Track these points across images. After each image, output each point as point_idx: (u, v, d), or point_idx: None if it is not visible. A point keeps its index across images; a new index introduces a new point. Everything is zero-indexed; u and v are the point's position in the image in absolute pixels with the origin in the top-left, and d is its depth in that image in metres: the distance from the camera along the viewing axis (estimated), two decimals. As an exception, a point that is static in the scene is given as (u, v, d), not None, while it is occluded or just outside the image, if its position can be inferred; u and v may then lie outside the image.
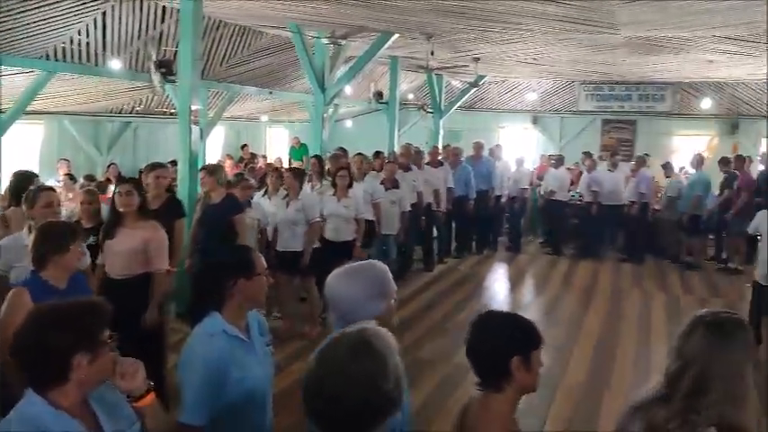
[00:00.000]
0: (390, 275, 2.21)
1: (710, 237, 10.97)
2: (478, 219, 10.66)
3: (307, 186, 7.17)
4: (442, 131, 14.08)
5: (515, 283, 9.27)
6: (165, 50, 8.74)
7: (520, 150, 13.79)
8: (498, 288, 9.20)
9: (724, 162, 10.51)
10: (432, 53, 9.30)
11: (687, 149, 12.72)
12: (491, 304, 8.03)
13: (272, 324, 6.25)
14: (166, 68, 7.79)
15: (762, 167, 10.28)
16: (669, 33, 8.32)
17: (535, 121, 16.78)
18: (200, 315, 2.39)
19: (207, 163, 7.21)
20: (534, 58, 11.39)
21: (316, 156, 8.04)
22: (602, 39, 8.81)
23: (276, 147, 17.62)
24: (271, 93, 11.86)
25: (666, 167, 11.27)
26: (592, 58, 11.08)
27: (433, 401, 4.99)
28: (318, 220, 6.40)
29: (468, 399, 2.02)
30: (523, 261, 10.60)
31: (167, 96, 10.51)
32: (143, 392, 1.92)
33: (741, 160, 10.22)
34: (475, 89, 13.90)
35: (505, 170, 11.31)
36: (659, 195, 11.30)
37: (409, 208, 8.20)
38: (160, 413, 1.99)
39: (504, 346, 1.86)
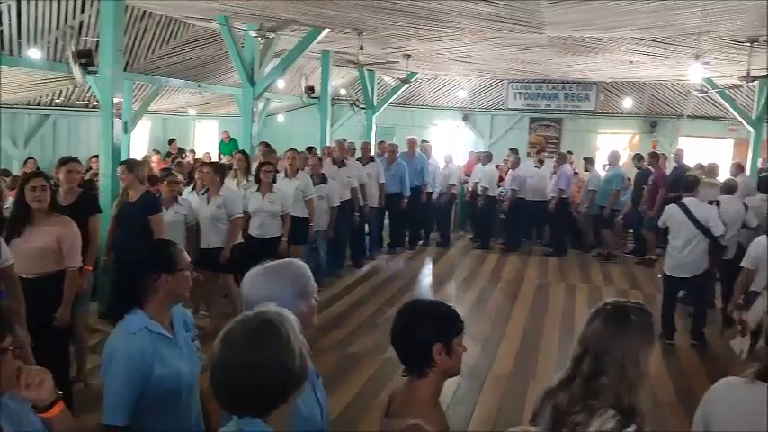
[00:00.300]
0: (310, 273, 2.17)
1: (630, 231, 11.47)
2: (411, 215, 10.76)
3: (232, 182, 7.06)
4: (374, 127, 14.12)
5: (445, 277, 9.38)
6: (86, 41, 8.42)
7: (451, 147, 13.99)
8: (428, 283, 9.30)
9: (638, 158, 11.00)
10: (361, 48, 9.29)
11: (610, 147, 13.16)
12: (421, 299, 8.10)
13: (199, 322, 6.17)
14: (86, 59, 7.50)
15: (675, 164, 10.79)
16: (592, 34, 8.61)
17: (466, 118, 17.07)
18: (122, 313, 2.34)
19: (130, 158, 6.98)
20: (464, 56, 11.56)
21: (241, 151, 7.89)
22: (529, 38, 9.03)
23: (205, 141, 17.25)
24: (199, 86, 11.61)
25: (587, 161, 11.70)
26: (519, 57, 11.34)
27: (364, 395, 5.03)
28: (240, 215, 6.28)
29: (397, 386, 2.07)
30: (453, 256, 10.76)
31: (89, 88, 10.15)
32: (50, 402, 1.82)
33: (655, 157, 10.70)
34: (407, 86, 13.99)
35: (435, 167, 11.46)
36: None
37: (338, 203, 8.17)
38: (69, 422, 1.91)
39: (425, 333, 1.92)
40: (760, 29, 7.58)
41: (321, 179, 7.92)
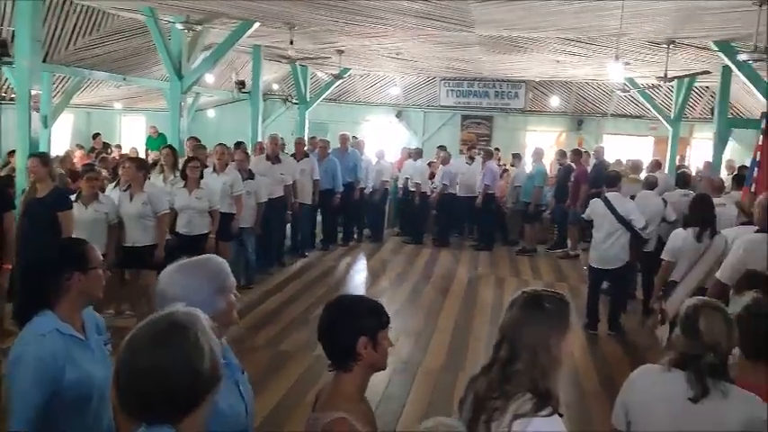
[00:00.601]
0: (228, 269, 2.12)
1: (555, 225, 11.80)
2: (344, 211, 10.73)
3: (158, 178, 6.87)
4: (307, 123, 14.02)
5: (379, 273, 9.41)
6: (1, 30, 8.02)
7: (385, 143, 14.06)
8: (361, 279, 9.31)
9: (561, 155, 11.34)
10: (291, 42, 9.20)
11: (539, 144, 13.49)
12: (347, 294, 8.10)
13: (124, 323, 5.99)
14: (2, 49, 7.15)
15: (596, 161, 11.16)
16: (520, 33, 8.80)
17: (399, 114, 17.19)
18: (31, 314, 2.24)
19: (41, 151, 6.67)
20: (397, 53, 11.62)
21: (168, 146, 7.68)
22: (459, 36, 9.15)
23: (132, 136, 16.72)
24: (125, 79, 11.23)
25: (515, 157, 11.98)
26: (451, 55, 11.49)
27: (294, 393, 4.98)
28: (166, 211, 6.09)
29: (326, 382, 2.08)
30: (387, 252, 10.80)
31: (6, 80, 9.70)
32: None
33: (577, 154, 11.05)
34: (340, 81, 13.97)
35: (368, 163, 11.48)
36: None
37: (265, 199, 8.06)
38: None
39: (351, 327, 1.94)
40: (676, 31, 7.95)
41: (248, 174, 7.80)
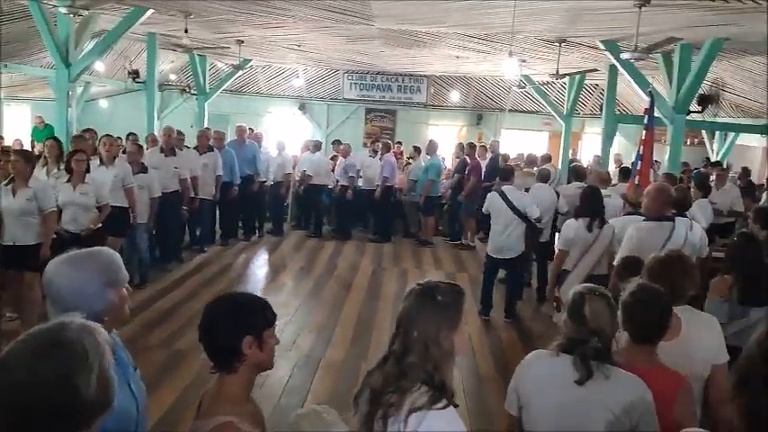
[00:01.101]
0: (120, 262, 2.03)
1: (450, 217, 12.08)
2: (244, 205, 10.49)
3: (41, 171, 6.46)
4: (207, 115, 13.62)
5: (280, 268, 9.27)
6: None
7: (288, 136, 13.86)
8: (262, 274, 9.16)
9: (460, 148, 11.63)
10: (186, 31, 8.89)
11: (440, 138, 13.72)
12: (254, 291, 7.96)
13: (6, 327, 5.61)
14: None
15: (491, 155, 11.52)
16: (419, 28, 8.91)
17: (302, 107, 17.04)
18: None
19: None
20: (298, 45, 11.49)
21: (52, 137, 7.24)
22: (359, 29, 9.15)
23: (16, 127, 15.65)
24: (6, 66, 10.49)
25: (415, 150, 12.17)
26: (352, 48, 11.48)
27: (190, 393, 4.83)
28: (53, 209, 5.73)
29: (209, 386, 2.00)
30: (289, 246, 10.66)
31: None
32: None
33: (472, 148, 11.38)
34: (241, 72, 13.65)
35: (268, 155, 11.28)
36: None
37: (159, 194, 7.75)
38: None
39: (234, 326, 1.87)
40: (567, 30, 8.29)
41: (140, 168, 7.47)
